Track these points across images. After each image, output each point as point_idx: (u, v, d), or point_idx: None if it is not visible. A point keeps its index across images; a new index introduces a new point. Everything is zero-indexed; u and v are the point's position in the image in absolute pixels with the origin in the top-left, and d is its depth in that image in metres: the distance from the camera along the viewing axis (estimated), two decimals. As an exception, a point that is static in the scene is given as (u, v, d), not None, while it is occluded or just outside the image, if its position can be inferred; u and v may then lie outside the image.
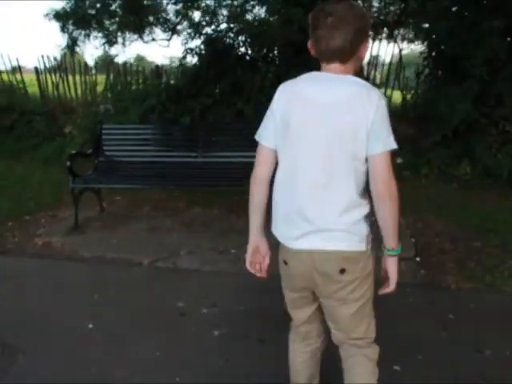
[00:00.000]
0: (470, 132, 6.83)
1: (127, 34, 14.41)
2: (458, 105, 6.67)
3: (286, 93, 1.75)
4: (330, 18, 1.62)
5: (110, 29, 13.42)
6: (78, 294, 3.44)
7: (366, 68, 8.86)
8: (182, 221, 4.83)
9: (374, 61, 9.08)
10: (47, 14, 12.35)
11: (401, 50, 9.85)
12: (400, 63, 8.86)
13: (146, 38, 14.94)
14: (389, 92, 9.14)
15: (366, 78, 8.75)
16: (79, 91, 9.93)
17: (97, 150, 4.93)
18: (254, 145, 1.83)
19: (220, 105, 7.33)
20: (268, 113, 1.80)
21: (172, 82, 8.28)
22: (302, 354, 2.08)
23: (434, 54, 7.72)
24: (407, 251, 3.97)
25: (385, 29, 10.64)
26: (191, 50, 7.25)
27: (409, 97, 9.07)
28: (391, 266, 1.82)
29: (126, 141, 5.03)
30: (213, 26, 7.58)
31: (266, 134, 1.79)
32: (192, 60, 7.51)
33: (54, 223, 4.86)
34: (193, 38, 7.51)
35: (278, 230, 1.83)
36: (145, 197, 5.42)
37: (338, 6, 1.64)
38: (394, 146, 1.70)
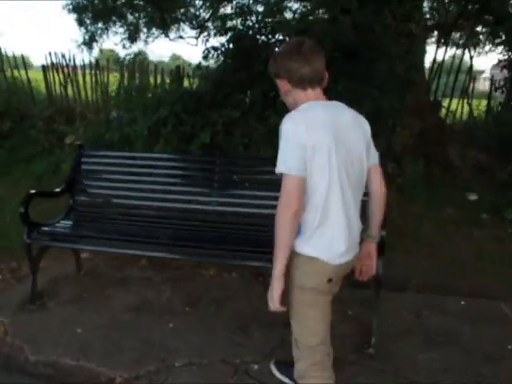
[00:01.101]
0: None
1: (152, 30, 13.20)
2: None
3: (301, 122, 1.80)
4: (303, 46, 1.86)
5: (132, 23, 12.21)
6: None
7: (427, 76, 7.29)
8: (186, 293, 3.41)
9: (438, 68, 7.47)
10: (66, 5, 11.21)
11: (472, 58, 8.22)
12: (470, 73, 7.25)
13: (172, 34, 13.68)
14: (454, 105, 7.56)
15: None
16: (89, 93, 8.66)
17: (71, 185, 3.53)
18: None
19: (249, 118, 5.90)
20: (288, 144, 1.78)
21: (191, 87, 6.86)
22: None
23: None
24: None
25: (435, 32, 9.18)
26: (215, 48, 5.81)
27: (477, 112, 7.49)
28: (373, 250, 2.18)
29: (114, 174, 3.60)
30: (243, 22, 6.13)
31: (299, 166, 1.77)
32: (216, 61, 6.06)
33: (7, 286, 3.51)
34: (217, 34, 6.09)
35: (319, 250, 1.86)
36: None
37: (300, 38, 1.93)
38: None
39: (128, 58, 12.72)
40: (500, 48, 7.15)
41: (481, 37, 10.84)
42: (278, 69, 1.90)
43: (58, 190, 3.47)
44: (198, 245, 2.92)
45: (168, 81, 7.92)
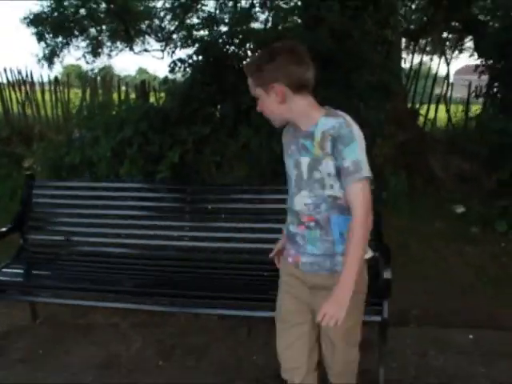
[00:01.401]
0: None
1: (116, 44, 12.71)
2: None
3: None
4: (300, 49, 1.74)
5: (94, 36, 11.71)
6: None
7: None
8: (158, 341, 2.97)
9: (415, 75, 7.22)
10: (25, 19, 10.66)
11: (448, 63, 8.02)
12: (447, 79, 7.03)
13: (136, 48, 13.20)
14: (430, 112, 7.32)
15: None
16: (49, 111, 8.14)
17: (21, 222, 3.07)
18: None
19: (220, 134, 5.50)
20: (361, 147, 1.70)
21: (158, 103, 6.43)
22: None
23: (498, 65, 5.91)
24: None
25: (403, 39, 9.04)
26: (182, 60, 5.40)
27: (455, 119, 7.26)
28: None
29: (70, 207, 3.15)
30: (210, 31, 5.76)
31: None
32: (184, 75, 5.65)
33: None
34: (184, 46, 5.69)
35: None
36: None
37: (289, 42, 1.85)
38: None
39: (92, 72, 12.23)
40: (466, 54, 6.95)
41: (447, 43, 10.76)
42: (276, 73, 1.69)
43: (4, 229, 2.99)
44: (169, 292, 2.49)
45: (133, 96, 7.49)
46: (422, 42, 10.11)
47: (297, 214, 1.80)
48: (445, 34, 9.56)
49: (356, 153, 1.67)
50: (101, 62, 12.46)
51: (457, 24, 9.23)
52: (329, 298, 1.66)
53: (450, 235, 4.84)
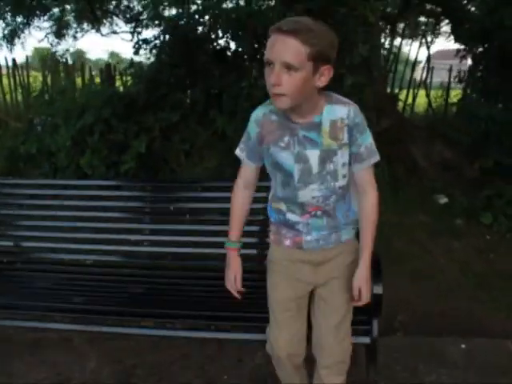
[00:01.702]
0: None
1: (83, 25, 12.08)
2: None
3: None
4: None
5: (59, 17, 11.08)
6: None
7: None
8: (116, 360, 2.62)
9: (394, 60, 6.91)
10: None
11: (429, 47, 7.71)
12: (428, 63, 6.73)
13: (104, 29, 12.59)
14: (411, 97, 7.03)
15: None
16: (8, 97, 7.62)
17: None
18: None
19: (190, 121, 5.12)
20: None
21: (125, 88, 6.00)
22: None
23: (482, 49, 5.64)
24: None
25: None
26: (147, 41, 4.99)
27: (435, 104, 7.00)
28: None
29: (15, 208, 2.75)
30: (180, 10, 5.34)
31: None
32: (149, 57, 5.24)
33: None
34: (151, 26, 5.27)
35: None
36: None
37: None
38: None
39: (61, 56, 11.62)
40: (440, 39, 6.69)
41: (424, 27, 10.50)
42: (333, 51, 1.54)
43: None
44: (125, 310, 2.14)
45: (98, 81, 7.03)
46: (399, 25, 9.86)
47: (301, 205, 1.71)
48: (422, 18, 9.29)
49: (369, 138, 1.66)
50: (66, 44, 11.83)
51: (434, 7, 8.98)
52: (358, 276, 1.72)
53: (434, 228, 4.59)
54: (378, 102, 5.60)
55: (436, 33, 10.44)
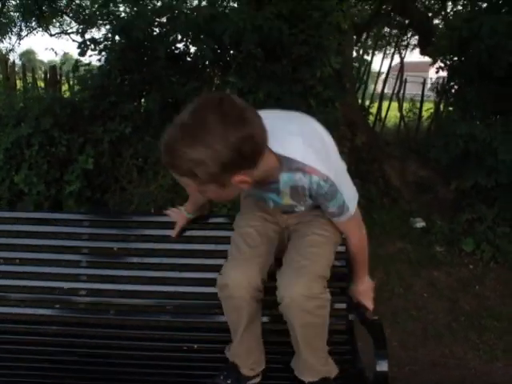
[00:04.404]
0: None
1: (30, 23, 11.31)
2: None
3: None
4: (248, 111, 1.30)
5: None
6: None
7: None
8: None
9: (366, 69, 6.53)
10: None
11: (402, 59, 7.39)
12: (401, 75, 6.38)
13: (54, 29, 11.88)
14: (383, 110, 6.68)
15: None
16: None
17: None
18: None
19: (143, 133, 4.56)
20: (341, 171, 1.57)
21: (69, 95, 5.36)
22: None
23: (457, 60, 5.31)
24: None
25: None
26: (94, 41, 4.39)
27: (407, 118, 6.67)
28: None
29: None
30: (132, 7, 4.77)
31: None
32: (99, 60, 4.63)
33: None
34: (100, 24, 4.68)
35: None
36: None
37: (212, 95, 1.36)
38: None
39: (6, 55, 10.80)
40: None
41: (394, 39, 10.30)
42: (236, 164, 1.25)
43: None
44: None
45: (42, 85, 6.34)
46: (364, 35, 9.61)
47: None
48: (393, 30, 9.08)
49: (341, 199, 1.50)
50: (9, 42, 11.06)
51: (401, 19, 8.77)
52: (354, 293, 1.87)
53: (413, 257, 4.19)
54: (351, 116, 5.20)
55: (402, 44, 10.28)
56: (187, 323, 1.98)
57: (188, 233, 2.04)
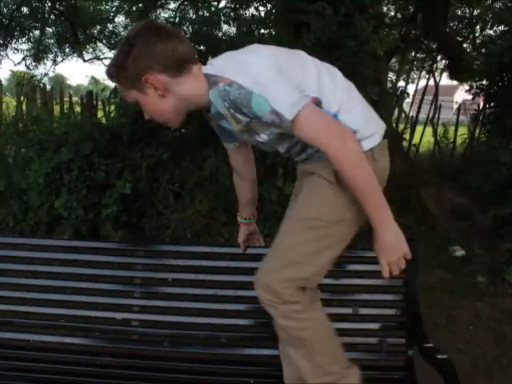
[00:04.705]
0: None
1: (64, 49, 11.58)
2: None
3: None
4: (155, 25, 1.49)
5: (38, 39, 10.57)
6: None
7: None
8: None
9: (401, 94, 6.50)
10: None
11: (437, 83, 7.35)
12: (436, 100, 6.33)
13: (88, 55, 12.15)
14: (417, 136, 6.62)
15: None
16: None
17: None
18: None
19: (181, 159, 4.59)
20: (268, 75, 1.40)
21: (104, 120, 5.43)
22: None
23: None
24: None
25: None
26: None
27: (443, 143, 6.60)
28: None
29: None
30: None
31: None
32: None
33: None
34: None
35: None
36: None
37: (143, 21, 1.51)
38: None
39: (38, 81, 11.04)
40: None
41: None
42: (143, 62, 1.37)
43: None
44: None
45: (78, 110, 6.45)
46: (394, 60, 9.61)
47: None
48: (421, 54, 9.07)
49: (262, 101, 1.32)
50: (44, 68, 11.34)
51: (430, 44, 8.76)
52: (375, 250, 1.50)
53: (454, 287, 4.09)
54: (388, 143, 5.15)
55: (435, 68, 10.25)
56: (246, 356, 1.94)
57: (242, 264, 2.02)
